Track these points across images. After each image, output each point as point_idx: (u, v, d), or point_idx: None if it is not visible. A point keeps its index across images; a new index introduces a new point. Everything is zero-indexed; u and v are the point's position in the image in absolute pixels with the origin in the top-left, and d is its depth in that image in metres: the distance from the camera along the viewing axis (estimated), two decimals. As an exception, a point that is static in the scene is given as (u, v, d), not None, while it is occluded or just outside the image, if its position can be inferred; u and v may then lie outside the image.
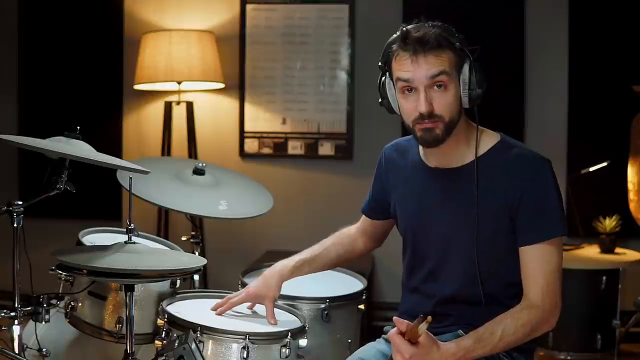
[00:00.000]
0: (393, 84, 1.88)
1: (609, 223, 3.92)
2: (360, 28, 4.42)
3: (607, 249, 3.90)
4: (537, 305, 1.80)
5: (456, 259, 1.92)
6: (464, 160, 1.91)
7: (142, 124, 4.58)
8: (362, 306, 2.36)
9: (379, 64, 1.91)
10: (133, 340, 1.96)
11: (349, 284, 2.45)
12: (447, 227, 1.92)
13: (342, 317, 2.29)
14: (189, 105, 4.35)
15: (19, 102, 4.69)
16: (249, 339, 1.88)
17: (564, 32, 4.29)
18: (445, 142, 1.86)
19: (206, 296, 2.24)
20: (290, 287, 2.20)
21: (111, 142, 4.43)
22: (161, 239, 2.56)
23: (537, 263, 1.82)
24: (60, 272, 2.01)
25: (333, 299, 2.26)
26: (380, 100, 1.95)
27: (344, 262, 2.29)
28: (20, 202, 1.97)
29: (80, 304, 2.19)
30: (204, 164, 2.59)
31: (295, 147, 4.48)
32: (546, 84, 4.33)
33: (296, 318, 2.12)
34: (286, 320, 2.09)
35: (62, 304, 2.14)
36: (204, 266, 2.05)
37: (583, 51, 4.28)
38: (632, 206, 3.71)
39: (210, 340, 1.91)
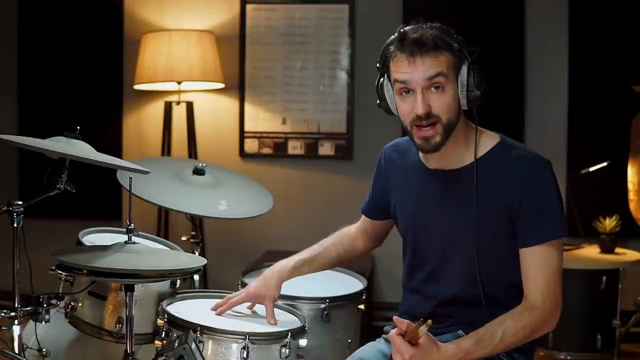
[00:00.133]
0: (391, 86, 1.88)
1: (609, 223, 3.92)
2: (360, 28, 4.42)
3: (607, 249, 3.90)
4: (537, 307, 1.80)
5: (456, 260, 1.92)
6: (463, 162, 1.90)
7: (142, 124, 4.58)
8: (362, 306, 2.36)
9: (377, 65, 1.91)
10: (133, 340, 1.96)
11: (349, 284, 2.45)
12: (447, 229, 1.92)
13: (342, 317, 2.28)
14: (189, 105, 4.35)
15: (19, 102, 4.68)
16: (249, 339, 1.88)
17: (564, 32, 4.29)
18: (445, 144, 1.85)
19: (206, 296, 2.24)
20: (290, 287, 2.20)
21: (111, 142, 4.43)
22: (161, 239, 2.56)
23: (537, 265, 1.82)
24: (60, 272, 2.01)
25: (333, 299, 2.26)
26: (378, 101, 1.95)
27: (344, 262, 2.29)
28: (20, 202, 1.97)
29: (80, 304, 2.19)
30: (204, 164, 2.59)
31: (295, 147, 4.48)
32: (546, 84, 4.33)
33: (296, 318, 2.12)
34: (286, 320, 2.09)
35: (62, 304, 2.14)
36: (204, 266, 2.05)
37: (583, 51, 4.28)
38: (632, 206, 3.71)
39: (210, 340, 1.91)
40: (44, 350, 2.26)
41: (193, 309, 2.10)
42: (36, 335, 2.21)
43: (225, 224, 4.19)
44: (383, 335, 2.05)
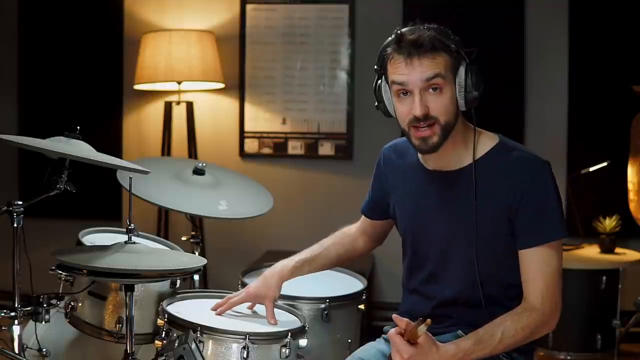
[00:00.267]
0: (389, 87, 1.87)
1: (609, 223, 3.92)
2: (360, 28, 4.42)
3: (607, 249, 3.90)
4: (537, 308, 1.80)
5: (456, 261, 1.92)
6: (462, 163, 1.90)
7: (142, 124, 4.58)
8: (362, 306, 2.36)
9: (375, 67, 1.90)
10: (133, 340, 1.96)
11: (348, 284, 2.45)
12: (446, 230, 1.92)
13: (342, 317, 2.29)
14: (189, 105, 4.35)
15: (19, 102, 4.69)
16: (249, 339, 1.89)
17: (564, 32, 4.29)
18: (443, 145, 1.85)
19: (206, 296, 2.24)
20: (290, 287, 2.20)
21: (111, 142, 4.43)
22: (161, 239, 2.57)
23: (536, 266, 1.82)
24: (60, 272, 2.02)
25: (333, 299, 2.26)
26: (376, 103, 1.94)
27: (344, 262, 2.29)
28: (20, 202, 1.97)
29: (80, 304, 2.20)
30: (204, 164, 2.59)
31: (295, 147, 4.48)
32: (546, 84, 4.33)
33: (296, 318, 2.12)
34: (286, 320, 2.09)
35: (62, 304, 2.15)
36: (204, 266, 2.05)
37: (583, 51, 4.28)
38: (632, 206, 3.71)
39: (210, 340, 1.91)
40: (44, 350, 2.26)
41: (193, 309, 2.10)
42: (36, 335, 2.21)
43: (225, 224, 4.19)
44: (383, 335, 2.04)
